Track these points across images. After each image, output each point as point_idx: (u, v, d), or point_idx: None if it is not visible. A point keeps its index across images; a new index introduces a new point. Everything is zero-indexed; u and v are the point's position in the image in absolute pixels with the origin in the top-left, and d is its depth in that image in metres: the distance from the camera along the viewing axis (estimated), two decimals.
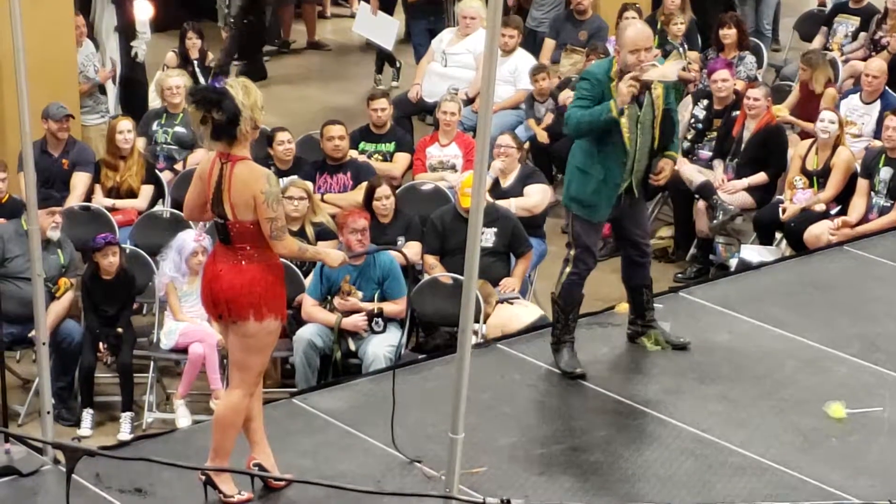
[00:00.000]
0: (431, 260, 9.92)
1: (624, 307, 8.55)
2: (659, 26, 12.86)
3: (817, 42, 13.44)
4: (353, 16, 16.26)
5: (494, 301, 9.38)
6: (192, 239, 9.48)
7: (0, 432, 7.27)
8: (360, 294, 9.24)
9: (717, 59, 12.10)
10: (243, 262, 6.55)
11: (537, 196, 10.56)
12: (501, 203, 10.27)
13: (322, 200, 10.44)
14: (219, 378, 9.20)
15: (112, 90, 12.52)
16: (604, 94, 7.60)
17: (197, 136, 6.81)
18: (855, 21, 13.27)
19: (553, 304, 8.05)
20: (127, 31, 12.63)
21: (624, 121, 7.59)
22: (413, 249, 10.01)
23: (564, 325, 7.99)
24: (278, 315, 6.66)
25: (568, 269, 7.92)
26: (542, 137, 11.91)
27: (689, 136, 11.45)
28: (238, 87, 6.50)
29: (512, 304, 9.40)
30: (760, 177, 11.00)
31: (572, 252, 7.92)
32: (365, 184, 10.37)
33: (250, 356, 6.70)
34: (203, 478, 6.70)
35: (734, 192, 10.97)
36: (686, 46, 12.76)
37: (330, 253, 7.09)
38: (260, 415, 6.88)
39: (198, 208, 6.77)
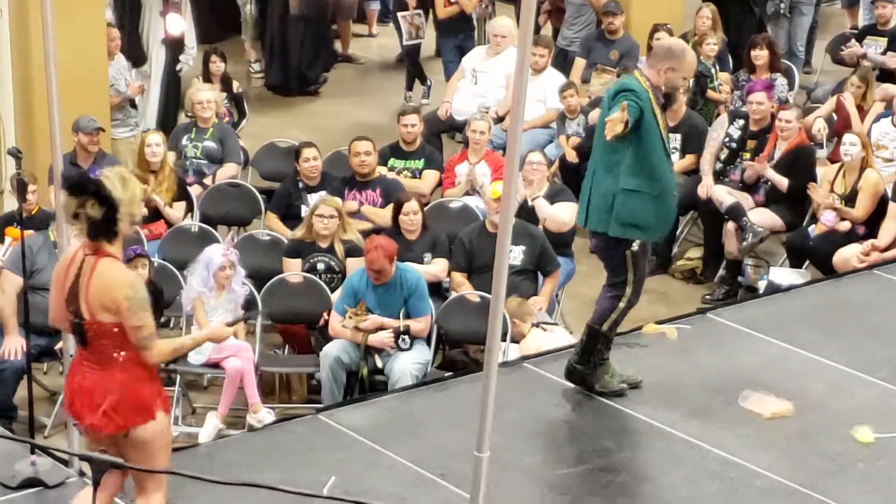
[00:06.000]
0: (459, 277, 9.91)
1: (651, 327, 8.52)
2: (690, 46, 12.83)
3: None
4: (371, 35, 16.35)
5: (531, 322, 9.33)
6: (220, 253, 9.50)
7: (26, 443, 7.29)
8: (368, 317, 9.21)
9: (756, 80, 12.04)
10: (107, 370, 6.03)
11: (565, 214, 10.54)
12: (536, 208, 10.25)
13: (359, 212, 10.48)
14: (256, 392, 9.19)
15: (153, 104, 12.62)
16: (647, 103, 7.50)
17: (74, 230, 6.13)
18: (883, 42, 13.26)
19: (592, 332, 7.87)
20: (173, 44, 12.71)
21: (663, 133, 7.58)
22: (440, 267, 10.01)
23: (601, 352, 7.92)
24: (166, 409, 6.17)
25: (622, 305, 7.76)
26: (571, 156, 11.90)
27: (723, 157, 11.41)
28: (115, 179, 5.91)
29: (546, 330, 9.32)
30: (784, 182, 10.94)
31: (628, 289, 7.73)
32: None
33: (156, 459, 6.12)
34: None
35: (756, 178, 10.89)
36: (718, 67, 12.74)
37: (213, 332, 6.56)
38: None
39: (60, 308, 6.11)
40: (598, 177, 7.71)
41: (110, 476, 6.20)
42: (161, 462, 6.16)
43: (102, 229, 5.90)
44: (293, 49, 14.54)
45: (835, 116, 12.06)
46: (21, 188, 9.29)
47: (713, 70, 12.57)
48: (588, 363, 7.94)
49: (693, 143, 11.53)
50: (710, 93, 12.38)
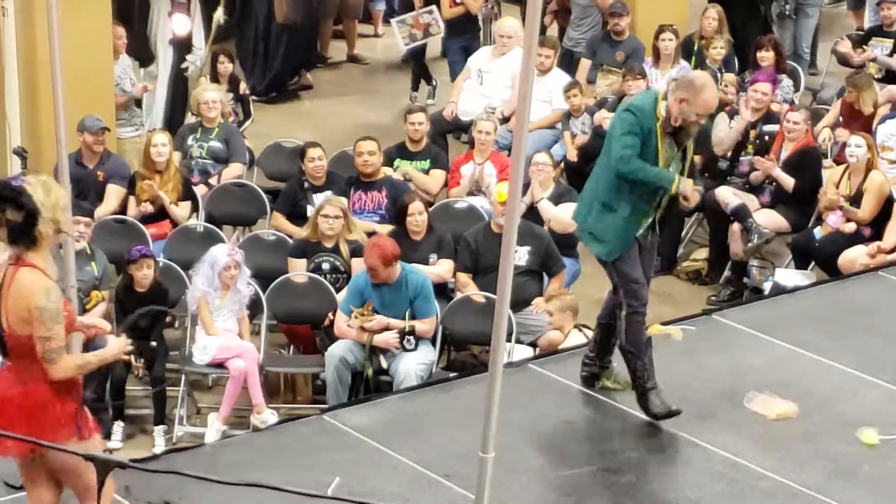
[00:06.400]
0: (464, 278, 9.90)
1: (656, 328, 8.49)
2: (696, 48, 12.84)
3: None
4: (377, 35, 16.34)
5: (574, 319, 9.27)
6: (225, 253, 9.50)
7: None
8: (374, 317, 9.20)
9: (761, 71, 12.04)
10: (27, 384, 5.92)
11: (570, 215, 10.51)
12: (541, 208, 10.27)
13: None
14: (260, 392, 9.19)
15: (160, 104, 12.62)
16: (650, 129, 7.41)
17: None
18: (889, 44, 13.25)
19: (624, 354, 7.72)
20: (181, 45, 12.71)
21: (661, 164, 7.45)
22: (445, 267, 9.99)
23: (643, 371, 7.67)
24: (82, 435, 5.99)
25: (623, 312, 7.59)
26: (572, 154, 11.89)
27: (728, 155, 11.42)
28: (38, 184, 5.86)
29: (588, 337, 9.22)
30: (790, 182, 10.94)
31: (620, 293, 7.59)
32: None
33: (81, 480, 5.97)
34: None
35: (764, 173, 10.91)
36: (723, 70, 12.72)
37: (109, 351, 6.24)
38: None
39: None
40: (591, 182, 7.73)
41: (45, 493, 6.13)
42: (87, 482, 5.95)
43: (21, 234, 5.86)
44: (276, 55, 14.40)
45: (840, 119, 12.06)
46: None
47: (719, 74, 12.54)
48: (636, 387, 7.71)
49: (698, 144, 11.49)
50: None
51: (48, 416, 5.95)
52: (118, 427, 9.32)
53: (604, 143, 7.68)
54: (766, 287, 10.65)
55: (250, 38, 14.38)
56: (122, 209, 10.77)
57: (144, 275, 9.41)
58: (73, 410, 6.01)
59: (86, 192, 10.63)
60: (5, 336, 5.95)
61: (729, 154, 11.43)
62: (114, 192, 10.79)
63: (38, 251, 5.90)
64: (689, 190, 7.51)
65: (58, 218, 5.88)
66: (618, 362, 7.87)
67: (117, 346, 6.23)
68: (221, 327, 9.45)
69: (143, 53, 12.76)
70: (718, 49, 12.66)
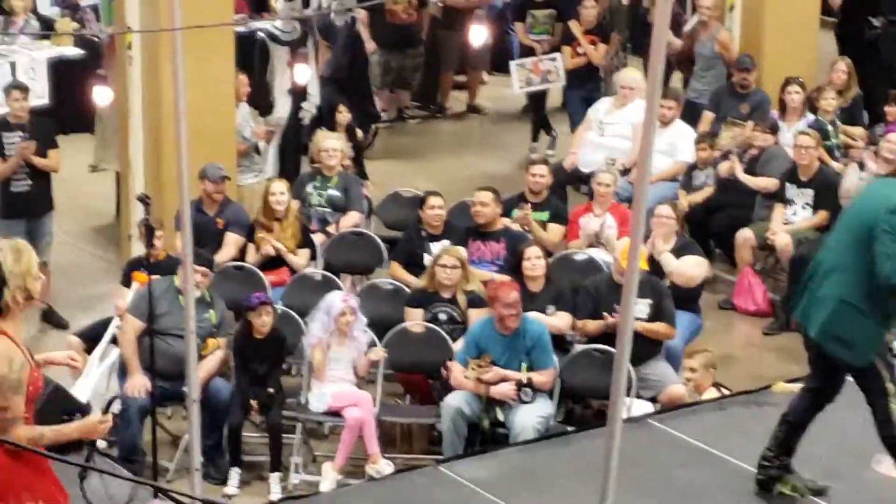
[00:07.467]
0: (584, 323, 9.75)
1: (781, 386, 8.30)
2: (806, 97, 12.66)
3: None
4: (482, 82, 16.21)
5: (713, 376, 9.17)
6: (340, 299, 9.50)
7: (150, 486, 7.31)
8: (491, 369, 9.12)
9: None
10: None
11: (693, 269, 10.38)
12: (662, 262, 10.16)
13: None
14: (376, 442, 9.15)
15: (273, 151, 12.71)
16: None
17: None
18: None
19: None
20: (296, 92, 12.78)
21: None
22: (563, 320, 9.87)
23: None
24: (45, 501, 5.80)
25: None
26: (683, 206, 11.62)
27: None
28: (8, 251, 5.74)
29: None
30: None
31: (889, 384, 7.14)
32: None
33: None
34: None
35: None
36: (838, 123, 12.45)
37: (85, 426, 6.02)
38: None
39: None
40: (824, 270, 7.17)
41: None
42: None
43: None
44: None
45: None
46: (148, 233, 9.39)
47: (831, 127, 12.24)
48: None
49: (826, 198, 11.27)
50: (823, 154, 11.86)
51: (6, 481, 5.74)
52: (234, 473, 9.32)
53: (852, 238, 7.07)
54: None
55: None
56: (241, 256, 10.83)
57: (263, 322, 9.43)
58: (34, 478, 5.80)
59: (205, 240, 10.68)
60: None
61: None
62: (233, 240, 10.85)
63: (5, 318, 5.75)
64: None
65: (28, 286, 5.75)
66: (798, 466, 7.48)
67: (88, 427, 6.00)
68: (338, 376, 9.44)
69: (260, 101, 12.85)
70: (829, 100, 12.40)
